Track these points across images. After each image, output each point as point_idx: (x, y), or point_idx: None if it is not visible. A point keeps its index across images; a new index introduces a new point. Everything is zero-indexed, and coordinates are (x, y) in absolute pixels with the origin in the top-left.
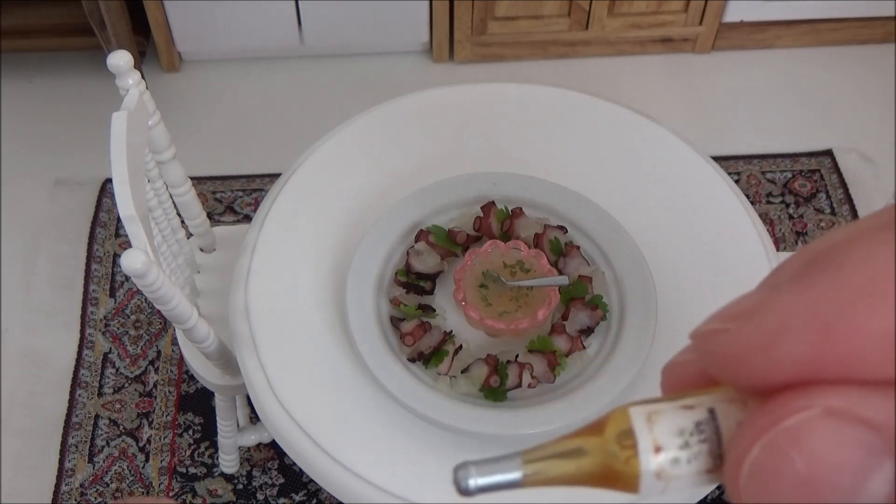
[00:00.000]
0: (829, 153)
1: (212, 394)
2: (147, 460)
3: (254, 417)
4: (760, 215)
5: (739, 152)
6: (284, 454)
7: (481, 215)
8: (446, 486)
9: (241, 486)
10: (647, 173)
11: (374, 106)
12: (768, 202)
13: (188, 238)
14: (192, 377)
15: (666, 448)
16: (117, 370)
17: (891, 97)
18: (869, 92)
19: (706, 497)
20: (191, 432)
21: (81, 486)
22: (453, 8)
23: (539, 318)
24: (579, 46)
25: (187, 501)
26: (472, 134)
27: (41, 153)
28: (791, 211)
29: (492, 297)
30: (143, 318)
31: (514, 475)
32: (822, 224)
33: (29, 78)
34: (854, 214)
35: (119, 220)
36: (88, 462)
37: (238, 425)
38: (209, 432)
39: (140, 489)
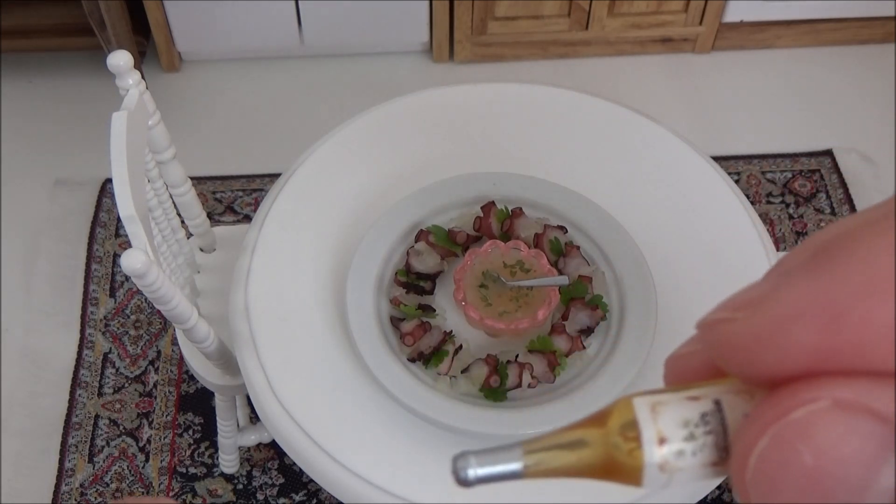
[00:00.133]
0: (829, 153)
1: (212, 394)
2: (147, 460)
3: (254, 417)
4: (760, 215)
5: (739, 152)
6: (284, 454)
7: (481, 215)
8: (446, 486)
9: (241, 486)
10: (647, 173)
11: (374, 106)
12: (768, 202)
13: (188, 238)
14: (192, 377)
15: (670, 439)
16: (117, 370)
17: (891, 97)
18: (869, 92)
19: (706, 497)
20: (191, 432)
21: (81, 486)
22: (453, 8)
23: (539, 318)
24: (579, 46)
25: (187, 501)
26: (472, 134)
27: (41, 153)
28: (791, 211)
29: (492, 297)
30: (143, 318)
31: (514, 466)
32: (822, 224)
33: (29, 78)
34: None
35: (119, 220)
36: (88, 462)
37: (238, 425)
38: (209, 432)
39: (140, 489)
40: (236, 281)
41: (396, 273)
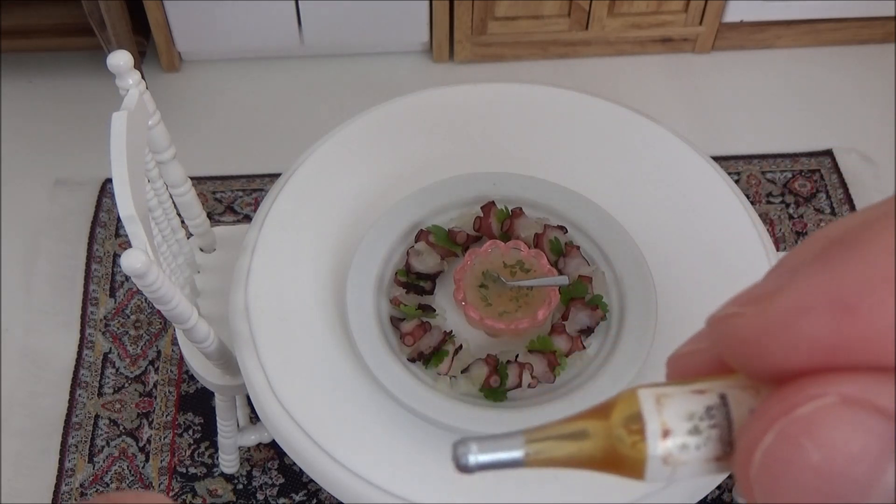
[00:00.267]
0: (829, 153)
1: (212, 394)
2: (147, 460)
3: (254, 417)
4: (760, 215)
5: (739, 152)
6: (284, 454)
7: (481, 215)
8: (446, 485)
9: (241, 486)
10: (647, 173)
11: (374, 106)
12: (768, 202)
13: (188, 238)
14: (192, 377)
15: (674, 432)
16: (117, 370)
17: (891, 97)
18: (869, 92)
19: (706, 497)
20: (191, 432)
21: (81, 486)
22: (453, 8)
23: (539, 318)
24: (579, 46)
25: (187, 501)
26: (472, 134)
27: (41, 153)
28: (791, 211)
29: (492, 297)
30: (143, 318)
31: (515, 454)
32: (822, 224)
33: (29, 78)
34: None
35: (119, 220)
36: (88, 462)
37: (238, 425)
38: (209, 432)
39: (140, 489)
40: (236, 281)
41: (396, 273)
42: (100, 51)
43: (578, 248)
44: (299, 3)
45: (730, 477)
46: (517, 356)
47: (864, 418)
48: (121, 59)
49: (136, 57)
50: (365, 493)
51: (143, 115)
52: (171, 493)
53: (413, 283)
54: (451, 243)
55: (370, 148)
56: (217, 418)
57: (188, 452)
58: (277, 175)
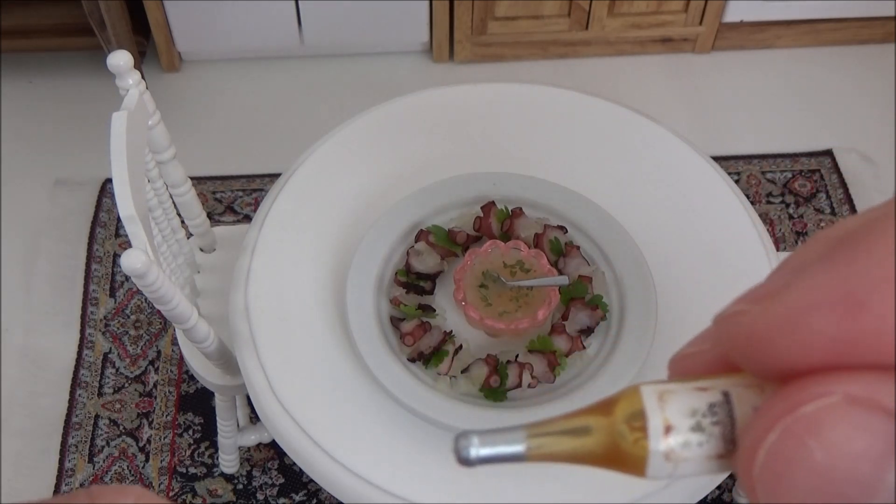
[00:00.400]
0: (829, 153)
1: (212, 394)
2: (147, 460)
3: (254, 417)
4: (760, 215)
5: (739, 152)
6: (284, 454)
7: (481, 215)
8: (446, 485)
9: (241, 486)
10: (647, 173)
11: (374, 106)
12: (768, 202)
13: (188, 238)
14: (192, 377)
15: (677, 428)
16: (117, 370)
17: (891, 97)
18: (869, 92)
19: (706, 497)
20: (191, 432)
21: (81, 486)
22: (453, 8)
23: (539, 318)
24: (579, 46)
25: (187, 501)
26: (472, 134)
27: (41, 153)
28: (791, 211)
29: (492, 297)
30: (143, 318)
31: (517, 448)
32: (822, 224)
33: (29, 78)
34: (854, 214)
35: (119, 220)
36: (88, 462)
37: (238, 425)
38: (209, 432)
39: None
40: (236, 281)
41: (396, 273)
42: (100, 51)
43: (578, 248)
44: (299, 3)
45: (730, 477)
46: (517, 356)
47: (869, 418)
48: (121, 59)
49: (136, 57)
50: (365, 493)
51: (143, 115)
52: (171, 493)
53: (413, 283)
54: (451, 243)
55: (370, 148)
56: (217, 418)
57: (188, 452)
58: (277, 175)
